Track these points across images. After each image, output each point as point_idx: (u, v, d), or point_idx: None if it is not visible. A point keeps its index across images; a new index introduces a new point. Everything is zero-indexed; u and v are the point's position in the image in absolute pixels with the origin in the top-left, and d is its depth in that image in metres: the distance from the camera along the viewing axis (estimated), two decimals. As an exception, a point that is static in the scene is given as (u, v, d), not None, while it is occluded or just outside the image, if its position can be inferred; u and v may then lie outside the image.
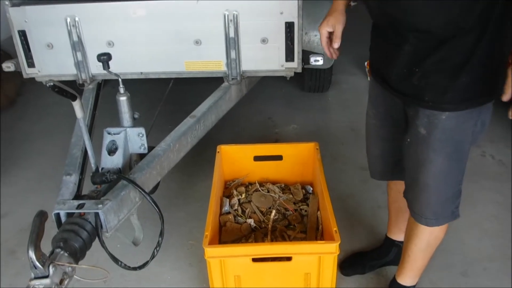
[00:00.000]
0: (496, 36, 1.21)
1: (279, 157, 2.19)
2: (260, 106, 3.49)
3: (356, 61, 3.99)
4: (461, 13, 1.21)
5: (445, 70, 1.29)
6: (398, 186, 1.78)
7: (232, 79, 2.17)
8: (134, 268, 1.49)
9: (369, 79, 3.78)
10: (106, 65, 1.67)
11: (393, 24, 1.35)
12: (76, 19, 2.13)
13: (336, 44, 1.51)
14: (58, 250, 1.23)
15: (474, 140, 1.44)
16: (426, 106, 1.37)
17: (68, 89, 1.39)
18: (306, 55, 2.21)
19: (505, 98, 1.23)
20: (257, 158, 2.20)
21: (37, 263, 1.12)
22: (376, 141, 1.71)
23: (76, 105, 1.45)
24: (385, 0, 1.31)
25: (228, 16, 2.05)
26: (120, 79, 1.69)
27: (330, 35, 1.52)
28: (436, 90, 1.33)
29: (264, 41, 2.09)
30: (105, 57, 1.66)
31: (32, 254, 1.11)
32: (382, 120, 1.63)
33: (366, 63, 3.85)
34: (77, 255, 1.27)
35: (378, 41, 1.49)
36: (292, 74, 2.19)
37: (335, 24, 1.50)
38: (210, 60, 2.15)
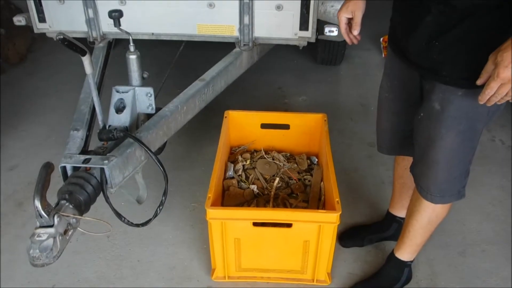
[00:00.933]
0: None
1: (286, 126, 2.19)
2: (271, 76, 3.47)
3: (371, 36, 3.93)
4: None
5: (465, 45, 1.27)
6: (406, 162, 1.78)
7: (244, 45, 2.15)
8: (137, 225, 1.51)
9: (384, 55, 3.73)
10: (117, 22, 1.66)
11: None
12: (89, -27, 2.11)
13: (356, 31, 1.49)
14: (63, 201, 1.25)
15: (488, 120, 1.42)
16: (443, 81, 1.35)
17: (78, 44, 1.39)
18: (321, 25, 2.17)
19: (479, 82, 1.21)
20: (264, 126, 2.20)
21: (43, 212, 1.14)
22: (387, 114, 1.70)
23: (86, 60, 1.45)
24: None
25: (243, -20, 2.02)
26: (130, 37, 1.68)
27: (350, 21, 1.50)
28: (455, 66, 1.31)
29: (279, 7, 2.06)
30: (116, 13, 1.64)
31: (38, 203, 1.13)
32: (396, 93, 1.61)
33: (381, 39, 3.78)
34: (82, 208, 1.29)
35: (400, 11, 1.46)
36: (305, 43, 2.16)
37: (355, 10, 1.47)
38: (222, 24, 2.13)
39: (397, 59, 1.50)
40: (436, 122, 1.41)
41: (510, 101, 1.20)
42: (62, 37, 1.35)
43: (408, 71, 1.48)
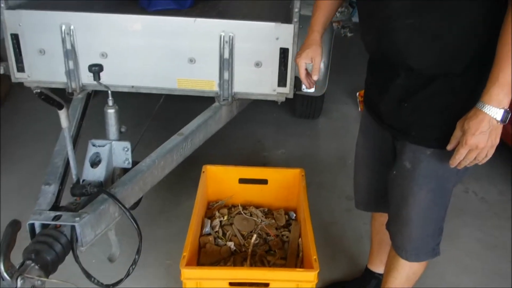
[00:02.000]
0: (482, 78, 1.22)
1: (264, 181, 2.17)
2: (250, 128, 3.49)
3: (348, 90, 4.02)
4: (453, 56, 1.24)
5: (432, 107, 1.32)
6: (382, 218, 1.77)
7: (224, 100, 2.16)
8: (107, 286, 1.45)
9: (360, 109, 3.80)
10: (97, 76, 1.66)
11: (386, 59, 1.38)
12: (72, 27, 2.12)
13: (316, 76, 1.54)
14: (28, 262, 1.19)
15: (458, 180, 1.45)
16: (412, 141, 1.39)
17: (55, 97, 1.37)
18: (298, 81, 2.21)
19: (449, 147, 1.26)
20: (242, 181, 2.18)
21: (5, 275, 1.08)
22: (364, 171, 1.72)
23: (62, 114, 1.43)
24: (381, 37, 1.34)
25: (224, 37, 2.05)
26: (109, 91, 1.68)
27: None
28: (423, 126, 1.36)
29: (258, 64, 2.10)
30: (96, 68, 1.65)
31: (0, 265, 1.07)
32: (371, 151, 1.64)
33: (358, 94, 3.87)
34: (49, 268, 1.23)
35: (373, 73, 1.52)
36: (284, 99, 2.19)
37: (315, 56, 1.53)
38: (202, 79, 2.15)
39: (371, 119, 1.55)
40: (408, 180, 1.44)
41: (479, 164, 1.23)
42: (39, 91, 1.34)
43: (381, 131, 1.52)
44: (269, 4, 3.71)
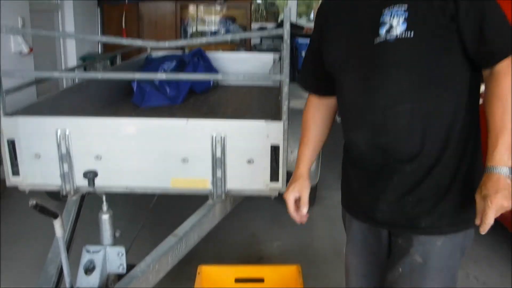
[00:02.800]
0: (478, 145, 1.30)
1: (260, 280, 2.13)
2: (245, 221, 3.47)
3: (337, 175, 4.06)
4: (453, 134, 1.28)
5: (440, 191, 1.31)
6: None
7: (217, 197, 2.18)
8: None
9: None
10: (91, 183, 1.68)
11: (382, 155, 1.35)
12: (67, 132, 2.18)
13: (305, 210, 1.51)
14: None
15: (459, 266, 1.43)
16: (422, 232, 1.35)
17: (50, 208, 1.39)
18: (290, 176, 2.25)
19: (478, 221, 1.20)
20: (238, 280, 2.14)
21: None
22: (355, 278, 1.62)
23: (57, 223, 1.44)
24: (378, 130, 1.33)
25: (215, 137, 2.12)
26: (104, 197, 1.70)
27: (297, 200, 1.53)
28: (433, 214, 1.33)
29: (250, 161, 2.15)
30: (91, 174, 1.68)
31: None
32: (364, 257, 1.56)
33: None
34: None
35: (358, 176, 1.47)
36: (277, 194, 2.21)
37: (302, 190, 1.52)
38: (196, 178, 2.18)
39: (359, 222, 1.50)
40: (419, 275, 1.38)
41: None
42: (34, 203, 1.35)
43: (373, 232, 1.47)
44: (257, 97, 3.87)
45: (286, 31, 2.06)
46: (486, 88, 1.27)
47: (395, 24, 1.25)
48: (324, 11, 1.52)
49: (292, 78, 6.67)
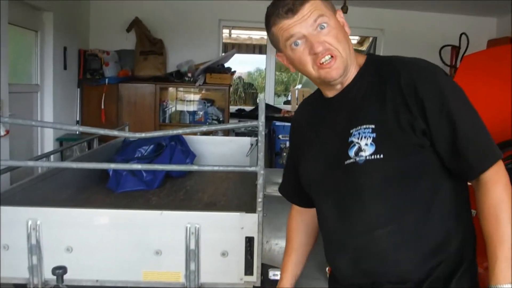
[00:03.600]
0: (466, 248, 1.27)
1: None
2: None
3: (317, 263, 4.01)
4: (438, 245, 1.26)
5: None
6: None
7: (190, 291, 2.13)
8: None
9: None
10: (60, 280, 1.64)
11: (370, 279, 1.31)
12: (38, 222, 2.14)
13: None
14: None
15: None
16: None
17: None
18: (265, 268, 2.24)
19: None
20: None
21: None
22: None
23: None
24: (362, 254, 1.30)
25: (190, 228, 2.11)
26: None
27: None
28: None
29: (224, 254, 2.12)
30: (60, 271, 1.64)
31: None
32: None
33: (327, 269, 3.86)
34: None
35: None
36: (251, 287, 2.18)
37: None
38: (169, 271, 2.14)
39: None
40: None
41: None
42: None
43: None
44: (234, 182, 3.89)
45: (261, 123, 2.13)
46: (476, 198, 1.24)
47: (363, 144, 1.25)
48: (296, 128, 1.57)
49: (269, 163, 6.79)
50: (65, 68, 5.72)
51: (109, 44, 6.47)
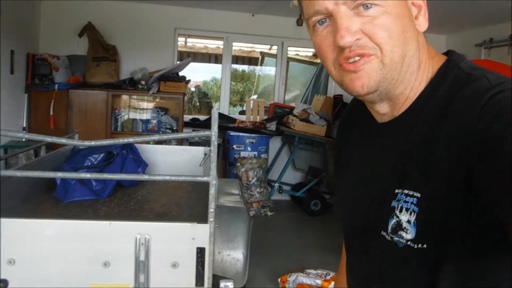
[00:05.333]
0: None
1: None
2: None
3: (270, 275, 4.03)
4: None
5: None
6: None
7: (139, 303, 2.08)
8: None
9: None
10: (-1, 294, 1.56)
11: None
12: (-22, 233, 2.04)
13: None
14: None
15: None
16: None
17: None
18: (216, 279, 2.22)
19: None
20: None
21: None
22: None
23: None
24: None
25: (139, 239, 2.06)
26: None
27: None
28: None
29: (174, 265, 2.09)
30: (0, 284, 1.56)
31: None
32: None
33: (279, 280, 3.89)
34: None
35: None
36: (202, 299, 2.15)
37: None
38: (117, 283, 2.08)
39: None
40: None
41: None
42: None
43: None
44: (186, 191, 3.86)
45: (213, 133, 2.12)
46: None
47: (404, 221, 0.91)
48: (341, 147, 1.22)
49: (223, 173, 6.78)
50: (11, 72, 5.52)
51: (60, 48, 6.29)
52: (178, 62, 6.78)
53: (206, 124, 6.50)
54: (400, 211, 0.91)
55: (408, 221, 0.90)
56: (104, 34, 6.37)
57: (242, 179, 5.82)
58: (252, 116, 6.78)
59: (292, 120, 6.36)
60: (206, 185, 2.42)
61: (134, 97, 6.53)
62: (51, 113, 5.89)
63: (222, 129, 6.38)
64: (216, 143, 2.17)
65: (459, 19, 6.09)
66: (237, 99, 9.79)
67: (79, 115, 6.03)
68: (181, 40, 7.79)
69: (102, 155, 4.37)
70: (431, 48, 0.96)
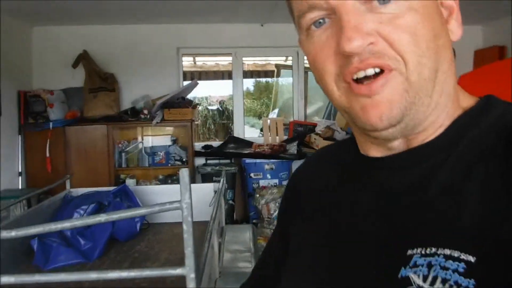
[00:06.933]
0: None
1: None
2: None
3: None
4: None
5: None
6: None
7: None
8: None
9: None
10: None
11: None
12: None
13: None
14: None
15: None
16: None
17: None
18: None
19: None
20: None
21: None
22: None
23: None
24: None
25: None
26: None
27: None
28: None
29: None
30: None
31: None
32: None
33: None
34: None
35: None
36: None
37: None
38: None
39: None
40: None
41: None
42: None
43: None
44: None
45: (185, 205, 1.43)
46: None
47: None
48: (290, 202, 0.90)
49: (243, 206, 5.94)
50: None
51: (54, 82, 5.74)
52: (184, 85, 6.15)
53: (220, 152, 5.82)
54: (426, 279, 0.56)
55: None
56: (100, 61, 5.78)
57: (263, 212, 5.10)
58: (270, 138, 6.07)
59: (315, 139, 5.61)
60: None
61: (139, 128, 5.92)
62: (47, 154, 5.32)
63: (236, 156, 5.69)
64: (189, 219, 1.47)
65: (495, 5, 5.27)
66: (257, 115, 9.13)
67: (78, 154, 5.43)
68: (188, 60, 7.18)
69: (92, 205, 3.77)
70: None
